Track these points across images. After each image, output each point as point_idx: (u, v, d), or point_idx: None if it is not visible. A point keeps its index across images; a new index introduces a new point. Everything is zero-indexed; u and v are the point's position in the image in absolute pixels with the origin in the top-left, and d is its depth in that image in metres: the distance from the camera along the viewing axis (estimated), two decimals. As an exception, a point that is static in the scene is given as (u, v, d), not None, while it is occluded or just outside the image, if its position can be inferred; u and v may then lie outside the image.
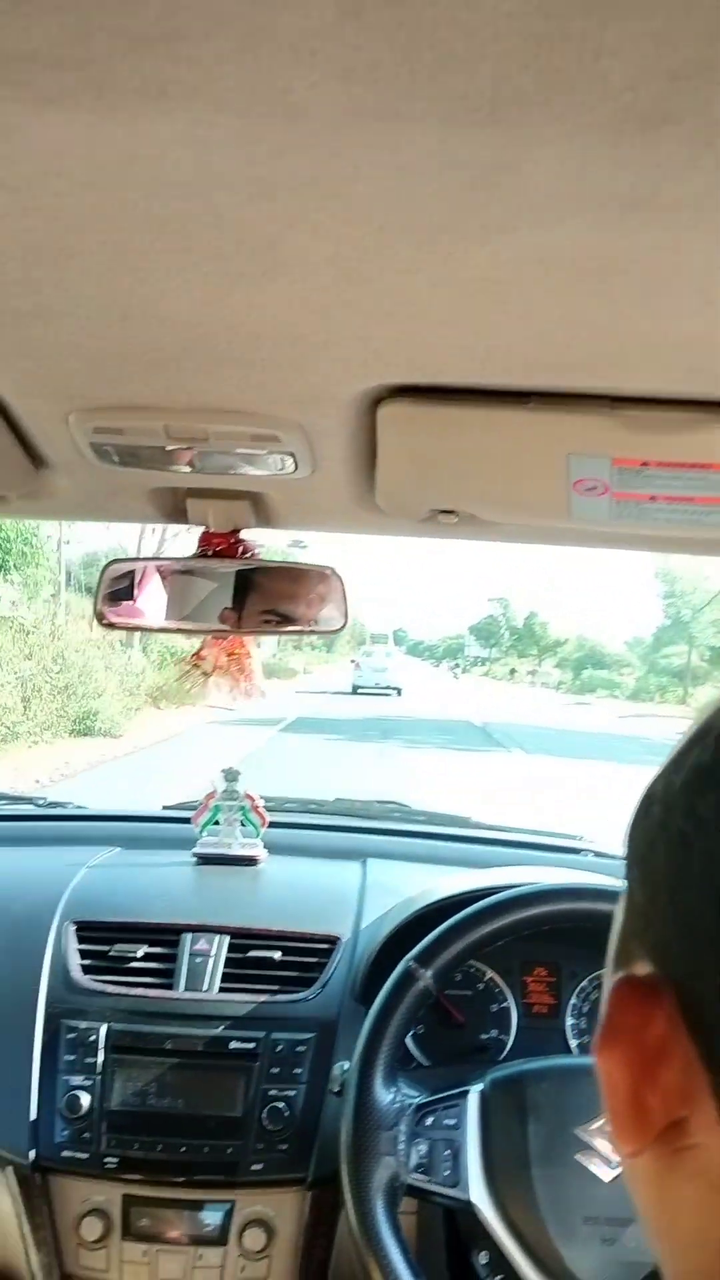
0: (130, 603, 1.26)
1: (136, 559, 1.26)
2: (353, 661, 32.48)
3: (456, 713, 23.04)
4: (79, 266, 0.70)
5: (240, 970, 1.34)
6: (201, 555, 1.24)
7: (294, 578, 1.28)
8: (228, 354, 0.83)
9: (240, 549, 1.24)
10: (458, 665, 64.60)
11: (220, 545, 1.24)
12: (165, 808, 1.91)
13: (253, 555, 1.26)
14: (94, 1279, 1.24)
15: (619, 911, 0.43)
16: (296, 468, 1.05)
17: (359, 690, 27.68)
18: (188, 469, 1.08)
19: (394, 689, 27.93)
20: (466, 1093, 1.04)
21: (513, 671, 53.95)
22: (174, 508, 1.22)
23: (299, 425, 0.96)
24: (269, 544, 1.29)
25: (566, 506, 1.01)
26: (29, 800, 1.92)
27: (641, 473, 0.93)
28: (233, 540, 1.24)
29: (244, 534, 1.26)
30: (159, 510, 1.23)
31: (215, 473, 1.09)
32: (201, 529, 1.25)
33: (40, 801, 1.92)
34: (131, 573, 1.26)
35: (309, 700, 23.53)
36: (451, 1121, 1.02)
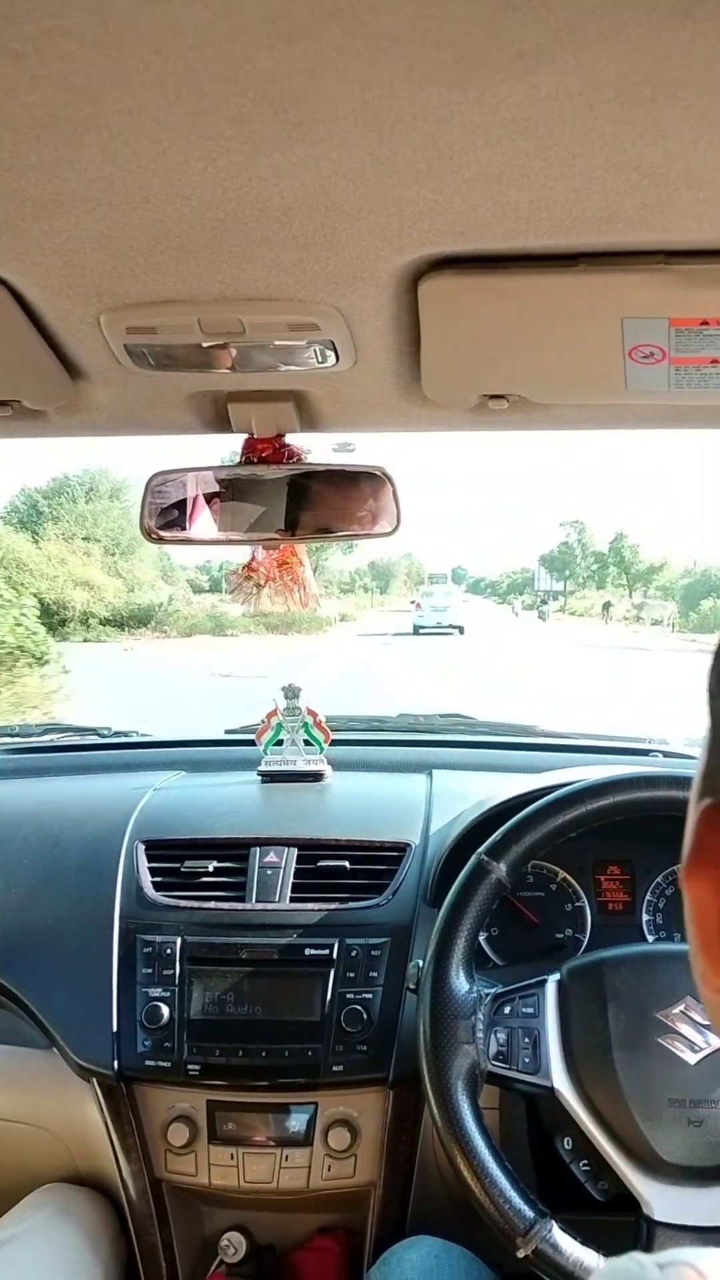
0: (177, 515, 1.24)
1: (181, 470, 1.24)
2: (413, 603, 32.22)
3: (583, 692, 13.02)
4: (95, 143, 0.67)
5: (311, 880, 1.34)
6: (247, 463, 1.22)
7: (343, 481, 1.25)
8: (257, 232, 0.79)
9: (286, 454, 1.22)
10: (544, 603, 50.03)
11: (265, 451, 1.22)
12: (227, 731, 1.91)
13: (299, 460, 1.23)
14: (183, 1182, 1.27)
15: (704, 746, 0.42)
16: (338, 359, 1.02)
17: (421, 630, 27.58)
18: (227, 370, 1.05)
19: (456, 628, 27.76)
20: (544, 982, 1.03)
21: (607, 606, 41.99)
22: (215, 415, 1.20)
23: (337, 310, 0.92)
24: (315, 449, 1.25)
25: (623, 378, 0.96)
26: (94, 731, 1.94)
27: (701, 333, 0.88)
28: (278, 445, 1.22)
29: (289, 439, 1.23)
30: (200, 419, 1.21)
31: (255, 371, 1.06)
32: (245, 436, 1.23)
33: (105, 731, 1.93)
34: (176, 484, 1.24)
35: (362, 648, 21.13)
36: (529, 1010, 1.01)
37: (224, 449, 1.29)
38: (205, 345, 0.99)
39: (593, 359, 0.96)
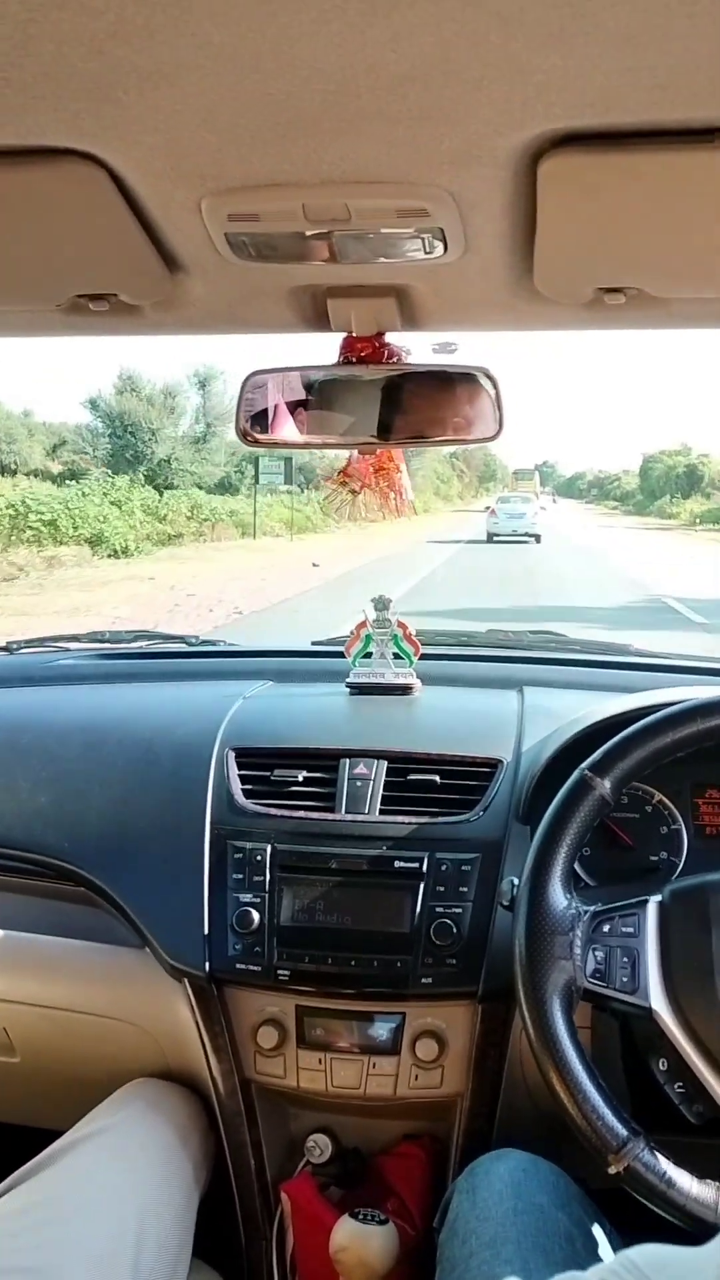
0: (273, 417, 1.21)
1: (277, 369, 1.20)
2: (488, 508, 31.26)
3: None
4: (204, 6, 0.62)
5: (400, 794, 1.33)
6: (345, 363, 1.17)
7: (443, 382, 1.19)
8: (370, 105, 0.73)
9: (385, 354, 1.17)
10: None
11: (364, 351, 1.17)
12: (314, 643, 1.90)
13: (398, 360, 1.18)
14: (272, 1084, 1.29)
15: None
16: (446, 249, 0.96)
17: (495, 539, 26.92)
18: (328, 262, 1.00)
19: (533, 536, 26.99)
20: (645, 902, 1.00)
21: None
22: (314, 311, 1.15)
23: (449, 193, 0.86)
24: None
25: None
26: (181, 639, 1.94)
27: None
28: (377, 345, 1.17)
29: (389, 338, 1.18)
30: (298, 315, 1.16)
31: (357, 263, 1.01)
32: (343, 336, 1.18)
33: (193, 640, 1.93)
34: (272, 385, 1.20)
35: (435, 555, 19.27)
36: (629, 929, 0.99)
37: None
38: (308, 234, 0.94)
39: None
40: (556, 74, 0.69)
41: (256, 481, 25.63)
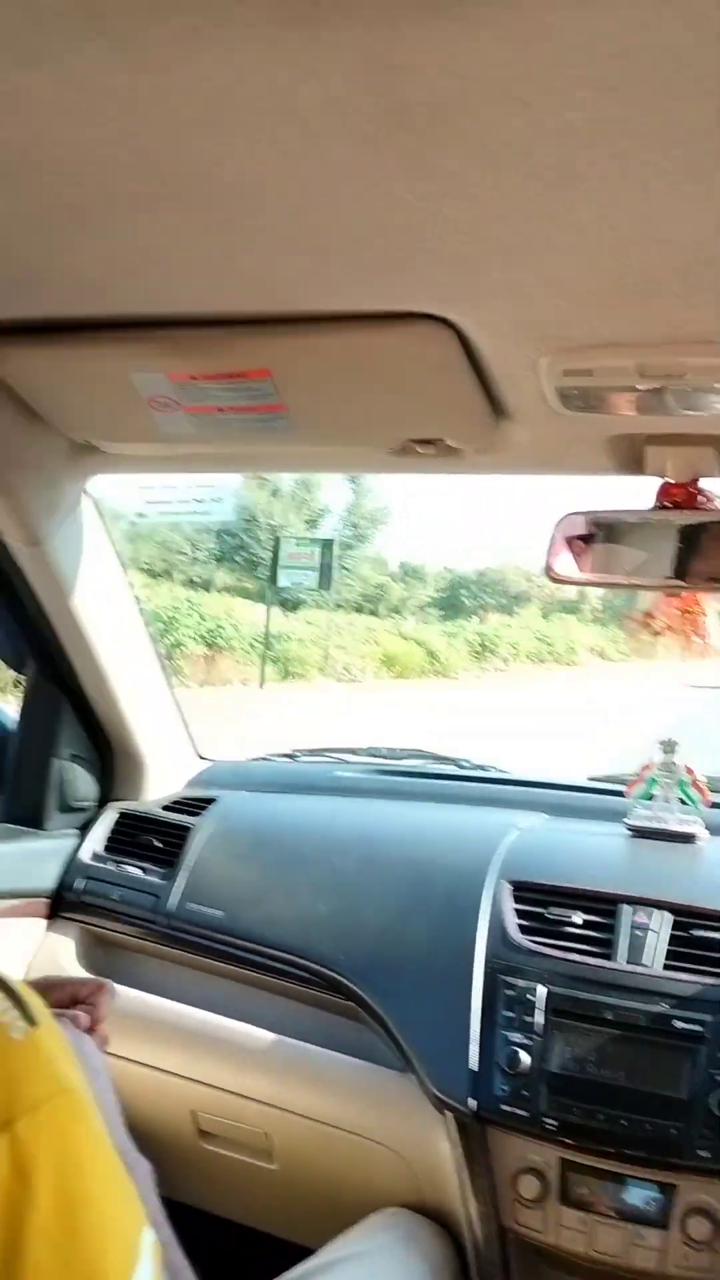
0: (581, 556, 1.23)
1: (592, 511, 1.22)
2: None
3: None
4: (581, 188, 0.66)
5: (685, 949, 1.27)
6: (660, 508, 1.18)
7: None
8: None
9: (699, 499, 1.17)
10: None
11: (678, 496, 1.17)
12: (591, 778, 1.86)
13: (713, 506, 1.17)
14: (530, 1237, 1.24)
15: None
16: None
17: None
18: (653, 413, 1.03)
19: None
20: None
21: None
22: (630, 457, 1.17)
23: None
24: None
25: None
26: (454, 761, 1.96)
27: None
28: (691, 490, 1.17)
29: (703, 483, 1.18)
30: (614, 461, 1.18)
31: (683, 414, 1.02)
32: (660, 481, 1.19)
33: (465, 763, 1.94)
34: (584, 525, 1.22)
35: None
36: None
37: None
38: (639, 388, 0.96)
39: None
40: None
41: (273, 581, 15.95)
